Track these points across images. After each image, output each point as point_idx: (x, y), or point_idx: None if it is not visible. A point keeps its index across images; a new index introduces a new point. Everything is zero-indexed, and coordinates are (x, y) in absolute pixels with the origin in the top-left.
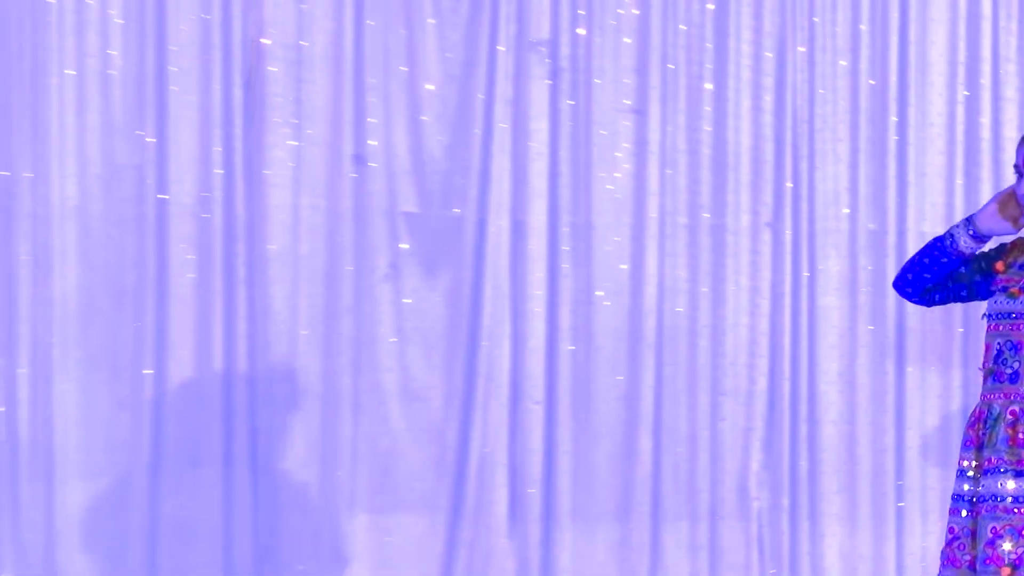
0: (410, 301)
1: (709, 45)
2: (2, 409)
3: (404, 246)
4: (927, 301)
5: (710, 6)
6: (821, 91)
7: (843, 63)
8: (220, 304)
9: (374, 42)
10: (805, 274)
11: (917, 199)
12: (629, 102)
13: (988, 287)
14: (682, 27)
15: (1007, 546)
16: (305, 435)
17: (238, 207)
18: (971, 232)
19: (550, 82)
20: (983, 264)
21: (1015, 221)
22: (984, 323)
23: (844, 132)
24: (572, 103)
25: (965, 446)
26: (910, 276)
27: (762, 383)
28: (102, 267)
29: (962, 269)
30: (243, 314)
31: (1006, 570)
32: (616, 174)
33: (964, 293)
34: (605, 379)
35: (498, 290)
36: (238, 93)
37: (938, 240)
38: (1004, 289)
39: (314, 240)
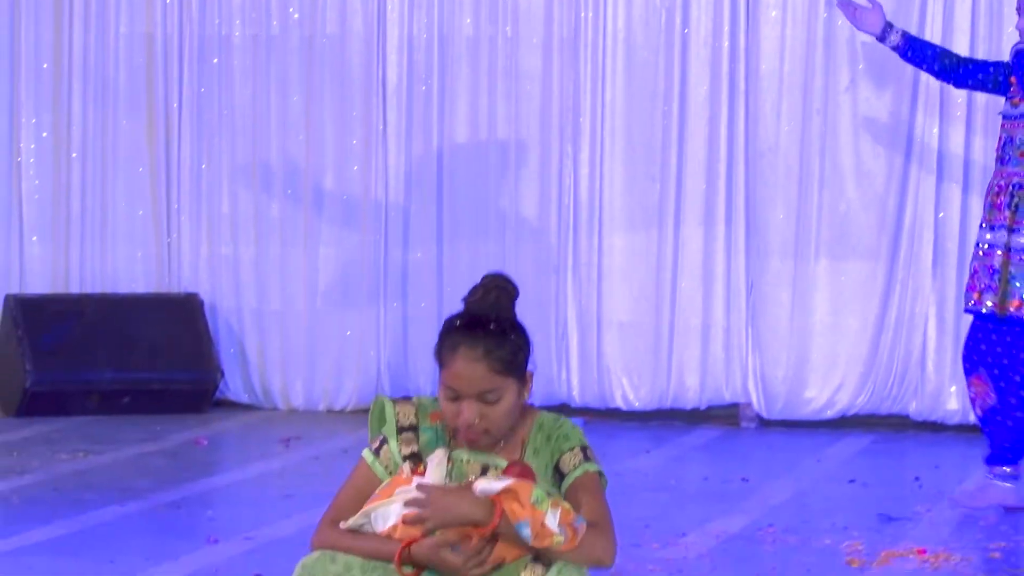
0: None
1: None
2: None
3: None
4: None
5: None
6: None
7: None
8: (725, 109)
9: None
10: None
11: None
12: None
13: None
14: None
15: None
16: (785, 202)
17: (740, 39)
18: None
19: None
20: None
21: None
22: (999, 119)
23: None
24: None
25: (994, 208)
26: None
27: None
28: (640, 81)
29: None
30: (741, 117)
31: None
32: None
33: (990, 87)
34: None
35: None
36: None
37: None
38: (1010, 98)
39: (794, 61)
